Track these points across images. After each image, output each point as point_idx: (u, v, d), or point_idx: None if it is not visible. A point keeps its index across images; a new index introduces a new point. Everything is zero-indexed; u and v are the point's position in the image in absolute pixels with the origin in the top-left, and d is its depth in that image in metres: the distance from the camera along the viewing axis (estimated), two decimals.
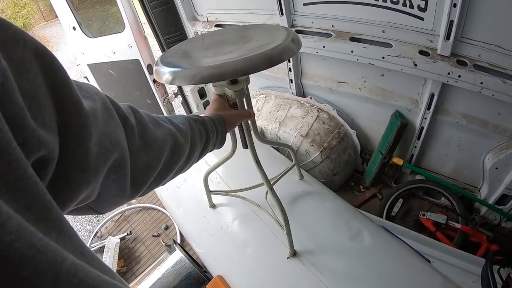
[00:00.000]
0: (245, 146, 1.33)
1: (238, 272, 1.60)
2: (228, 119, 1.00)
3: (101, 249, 3.41)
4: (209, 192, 1.80)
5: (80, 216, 5.22)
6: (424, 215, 2.66)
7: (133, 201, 3.92)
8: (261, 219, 1.67)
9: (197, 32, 3.28)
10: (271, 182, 1.53)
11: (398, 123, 2.62)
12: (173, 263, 2.35)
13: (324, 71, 2.89)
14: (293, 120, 3.00)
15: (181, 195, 2.04)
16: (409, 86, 2.48)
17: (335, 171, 3.03)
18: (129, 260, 3.32)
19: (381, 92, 2.67)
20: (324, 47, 2.51)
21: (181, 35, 3.46)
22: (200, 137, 0.82)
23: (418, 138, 2.70)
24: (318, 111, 3.00)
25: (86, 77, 4.24)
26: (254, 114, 1.21)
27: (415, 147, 2.77)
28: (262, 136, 1.51)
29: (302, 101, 3.10)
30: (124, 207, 3.79)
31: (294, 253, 1.47)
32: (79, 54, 3.89)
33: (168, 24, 3.35)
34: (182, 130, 0.74)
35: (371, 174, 3.12)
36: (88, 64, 3.93)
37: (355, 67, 2.59)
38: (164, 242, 2.44)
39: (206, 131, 0.86)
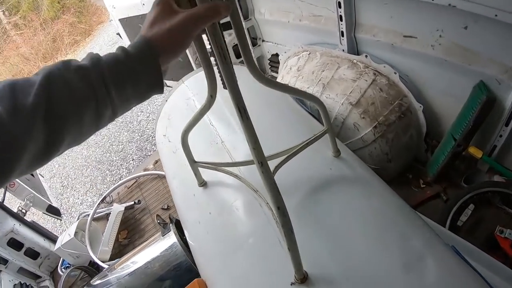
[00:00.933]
0: (224, 85, 0.81)
1: (222, 281, 1.13)
2: (162, 39, 0.64)
3: (107, 216, 3.10)
4: (193, 163, 1.27)
5: (93, 176, 5.22)
6: (502, 232, 2.06)
7: (150, 166, 3.55)
8: (264, 211, 1.16)
9: None
10: (282, 157, 1.07)
11: (483, 98, 2.00)
12: (165, 248, 1.96)
13: (385, 20, 2.32)
14: (341, 83, 2.38)
15: (177, 162, 1.61)
16: (504, 46, 1.85)
17: (390, 156, 2.42)
18: (134, 232, 3.00)
19: (461, 52, 2.04)
20: None
21: None
22: (72, 102, 0.57)
23: (507, 124, 2.07)
24: (374, 74, 2.38)
25: (118, 34, 4.16)
26: (229, 8, 0.68)
27: (500, 136, 2.15)
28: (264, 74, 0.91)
29: (354, 60, 2.51)
30: (139, 172, 3.42)
31: (303, 278, 0.92)
32: (111, 8, 3.84)
33: None
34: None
35: (436, 166, 2.47)
36: (119, 19, 3.87)
37: (428, 14, 2.04)
38: (159, 219, 1.95)
39: (90, 85, 0.58)
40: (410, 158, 2.65)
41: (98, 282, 2.19)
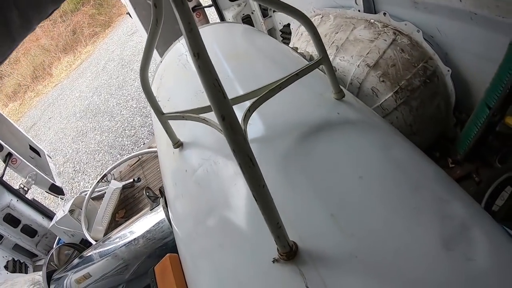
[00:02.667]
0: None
1: (192, 254, 0.96)
2: None
3: None
4: (161, 115, 1.07)
5: (104, 161, 5.11)
6: None
7: (154, 145, 3.38)
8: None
9: None
10: (260, 94, 0.88)
11: None
12: (154, 223, 1.74)
13: None
14: (356, 45, 2.12)
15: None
16: None
17: (415, 128, 2.14)
18: (132, 212, 2.83)
19: (493, 2, 1.73)
20: None
21: None
22: None
23: None
24: (394, 33, 2.11)
25: (128, 13, 4.03)
26: None
27: None
28: None
29: (371, 20, 2.25)
30: (143, 149, 3.26)
31: (289, 253, 0.69)
32: None
33: None
34: None
35: (467, 142, 2.17)
36: None
37: None
38: (149, 192, 1.75)
39: None
40: (437, 133, 2.34)
41: (90, 253, 2.04)
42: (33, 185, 3.28)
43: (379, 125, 1.02)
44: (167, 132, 1.13)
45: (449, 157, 2.35)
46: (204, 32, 1.86)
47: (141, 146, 4.75)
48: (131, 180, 3.07)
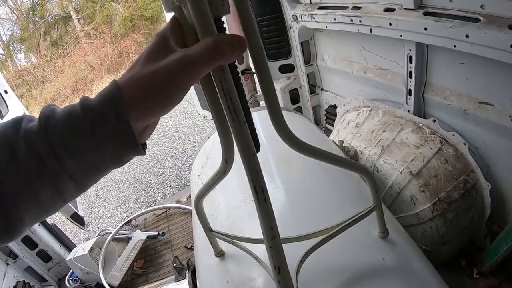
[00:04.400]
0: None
1: None
2: (136, 88, 0.47)
3: (128, 240, 2.95)
4: (209, 232, 1.08)
5: (128, 193, 5.16)
6: None
7: (183, 199, 3.41)
8: None
9: (296, 16, 2.64)
10: (316, 240, 0.89)
11: None
12: None
13: (460, 82, 2.05)
14: (402, 148, 2.14)
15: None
16: None
17: (446, 239, 2.11)
18: (150, 264, 2.81)
19: None
20: (467, 37, 1.67)
21: (278, 19, 2.97)
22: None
23: None
24: (441, 142, 2.12)
25: None
26: (241, 45, 0.49)
27: None
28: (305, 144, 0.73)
29: (420, 124, 2.26)
30: (171, 203, 3.30)
31: None
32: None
33: (263, 3, 2.90)
34: None
35: (495, 257, 2.11)
36: None
37: (509, 79, 1.76)
38: (176, 262, 1.77)
39: (37, 155, 0.46)
40: (466, 242, 2.30)
41: None
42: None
43: (421, 271, 1.02)
44: (211, 243, 1.13)
45: (475, 267, 2.29)
46: (259, 116, 1.81)
47: (168, 189, 4.82)
48: (156, 233, 3.09)
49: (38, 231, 3.11)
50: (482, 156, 2.12)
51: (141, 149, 0.50)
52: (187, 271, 1.78)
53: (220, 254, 1.15)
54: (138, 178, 5.43)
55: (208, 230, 1.10)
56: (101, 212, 5.04)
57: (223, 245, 1.16)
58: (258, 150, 0.61)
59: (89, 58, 12.58)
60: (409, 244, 1.13)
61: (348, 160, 0.84)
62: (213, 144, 1.82)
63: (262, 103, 3.46)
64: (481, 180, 2.07)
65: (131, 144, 0.48)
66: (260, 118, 1.90)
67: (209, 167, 1.69)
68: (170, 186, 4.83)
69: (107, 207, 5.09)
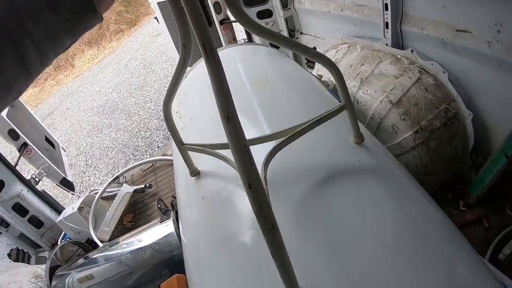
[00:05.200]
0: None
1: (201, 279, 0.95)
2: None
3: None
4: (180, 145, 1.08)
5: (116, 159, 5.15)
6: None
7: (169, 152, 3.41)
8: None
9: None
10: (282, 138, 0.88)
11: None
12: (162, 236, 1.74)
13: (436, 11, 2.02)
14: (381, 79, 2.13)
15: (183, 139, 1.39)
16: None
17: (430, 168, 2.13)
18: (139, 217, 2.84)
19: None
20: None
21: None
22: None
23: None
24: (420, 71, 2.11)
25: (156, 18, 4.23)
26: None
27: None
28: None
29: (398, 55, 2.24)
30: (157, 156, 3.29)
31: None
32: None
33: None
34: None
35: (481, 187, 2.15)
36: (158, 3, 3.79)
37: (486, 5, 1.74)
38: (161, 204, 1.77)
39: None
40: (451, 174, 2.32)
41: (96, 255, 2.06)
42: (45, 177, 3.32)
43: (398, 175, 1.02)
44: (185, 161, 1.14)
45: (461, 200, 2.31)
46: (230, 52, 1.85)
47: (156, 150, 4.79)
48: (143, 185, 3.09)
49: (28, 197, 3.09)
50: (463, 86, 2.11)
51: (98, 13, 0.52)
52: (172, 211, 1.79)
53: (195, 173, 1.15)
54: (126, 143, 5.40)
55: (180, 144, 1.09)
56: (91, 180, 5.03)
57: (199, 164, 1.15)
58: (210, 25, 0.59)
59: None
60: (385, 151, 1.13)
61: (308, 47, 0.81)
62: (191, 80, 1.80)
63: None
64: (462, 109, 2.06)
65: (88, 8, 0.50)
66: (239, 53, 1.89)
67: (186, 101, 1.67)
68: (158, 147, 4.82)
69: (97, 174, 5.08)
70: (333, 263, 0.74)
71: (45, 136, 3.80)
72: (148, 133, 5.37)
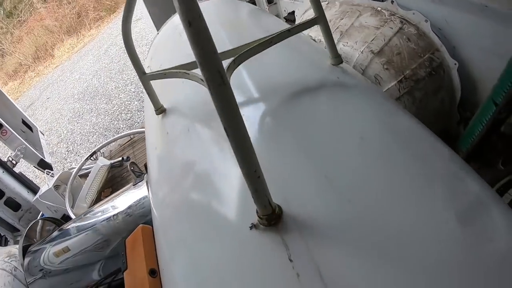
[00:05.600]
0: None
1: (164, 222, 0.86)
2: None
3: None
4: (142, 75, 1.00)
5: (98, 143, 5.04)
6: None
7: None
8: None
9: None
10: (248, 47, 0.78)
11: None
12: (135, 200, 1.64)
13: None
14: (361, 31, 2.04)
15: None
16: None
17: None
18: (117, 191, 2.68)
19: None
20: None
21: None
22: None
23: None
24: (402, 22, 2.03)
25: None
26: None
27: None
28: None
29: (379, 8, 2.15)
30: (136, 129, 3.18)
31: (270, 216, 0.59)
32: None
33: None
34: None
35: (470, 140, 2.05)
36: None
37: None
38: (134, 167, 1.67)
39: None
40: (439, 129, 2.21)
41: (70, 226, 1.96)
42: (22, 159, 3.19)
43: (380, 94, 0.94)
44: (149, 96, 1.05)
45: None
46: (206, 5, 1.77)
47: (135, 126, 4.67)
48: (120, 158, 2.97)
49: (3, 178, 2.96)
50: (446, 35, 2.02)
51: None
52: (145, 174, 1.69)
53: (160, 110, 1.06)
54: (106, 127, 5.27)
55: (142, 74, 1.00)
56: (73, 166, 4.90)
57: (164, 101, 1.08)
58: None
59: (47, 22, 11.88)
60: (363, 77, 1.06)
61: None
62: (162, 36, 1.74)
63: None
64: (447, 58, 1.99)
65: None
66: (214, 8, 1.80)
67: (157, 54, 1.60)
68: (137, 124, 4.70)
69: (79, 160, 4.93)
70: (312, 174, 0.65)
71: (22, 119, 3.67)
72: (129, 115, 5.24)
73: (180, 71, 0.89)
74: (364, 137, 0.68)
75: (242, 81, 0.89)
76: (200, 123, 0.90)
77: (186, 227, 0.75)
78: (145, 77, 1.01)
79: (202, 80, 0.83)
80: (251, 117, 0.75)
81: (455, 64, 1.98)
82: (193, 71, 0.84)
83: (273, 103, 0.81)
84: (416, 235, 0.52)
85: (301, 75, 0.91)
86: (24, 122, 3.66)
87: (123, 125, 5.05)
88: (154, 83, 1.06)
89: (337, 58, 0.93)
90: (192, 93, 1.05)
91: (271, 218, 0.56)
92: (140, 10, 3.92)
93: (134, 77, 6.16)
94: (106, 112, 5.68)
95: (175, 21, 1.71)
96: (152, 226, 0.97)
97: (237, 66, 0.77)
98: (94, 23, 11.40)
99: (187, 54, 1.26)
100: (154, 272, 0.92)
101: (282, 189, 0.61)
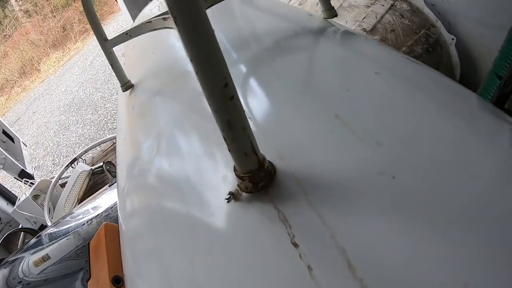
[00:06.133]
0: None
1: (129, 212, 0.69)
2: None
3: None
4: (104, 41, 0.87)
5: (79, 149, 4.82)
6: None
7: None
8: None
9: None
10: None
11: None
12: (114, 200, 1.48)
13: None
14: (351, 10, 1.91)
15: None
16: None
17: None
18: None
19: None
20: None
21: None
22: None
23: None
24: None
25: None
26: None
27: None
28: None
29: None
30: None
31: (255, 174, 0.39)
32: None
33: None
34: None
35: None
36: None
37: None
38: (109, 167, 1.51)
39: None
40: None
41: (49, 232, 1.79)
42: (2, 170, 3.02)
43: (375, 43, 0.80)
44: (113, 69, 0.90)
45: None
46: None
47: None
48: (101, 163, 2.81)
49: None
50: (441, 11, 1.93)
51: None
52: None
53: (127, 86, 0.92)
54: (92, 137, 5.09)
55: (103, 40, 0.85)
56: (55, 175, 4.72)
57: (132, 77, 0.94)
58: None
59: (32, 36, 11.71)
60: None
61: None
62: (144, 16, 1.62)
63: None
64: (444, 34, 1.88)
65: None
66: None
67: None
68: None
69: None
70: (318, 114, 0.50)
71: (3, 130, 3.50)
72: (115, 124, 5.06)
73: (143, 24, 0.75)
74: (379, 71, 0.53)
75: (227, 29, 0.75)
76: (170, 86, 0.75)
77: (152, 219, 0.59)
78: (107, 44, 0.86)
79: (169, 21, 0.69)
80: (235, 62, 0.61)
81: (453, 39, 1.87)
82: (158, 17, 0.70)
83: (264, 49, 0.67)
84: (453, 185, 0.37)
85: (289, 25, 0.77)
86: (4, 132, 3.50)
87: (109, 134, 4.87)
88: (122, 60, 0.92)
89: (331, 11, 0.79)
90: (162, 61, 0.91)
91: (258, 177, 0.37)
92: (126, 22, 3.80)
93: (119, 88, 5.99)
94: (92, 123, 5.51)
95: (153, 4, 1.59)
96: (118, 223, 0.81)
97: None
98: (79, 36, 11.24)
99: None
100: (118, 281, 0.76)
101: (274, 140, 0.45)
